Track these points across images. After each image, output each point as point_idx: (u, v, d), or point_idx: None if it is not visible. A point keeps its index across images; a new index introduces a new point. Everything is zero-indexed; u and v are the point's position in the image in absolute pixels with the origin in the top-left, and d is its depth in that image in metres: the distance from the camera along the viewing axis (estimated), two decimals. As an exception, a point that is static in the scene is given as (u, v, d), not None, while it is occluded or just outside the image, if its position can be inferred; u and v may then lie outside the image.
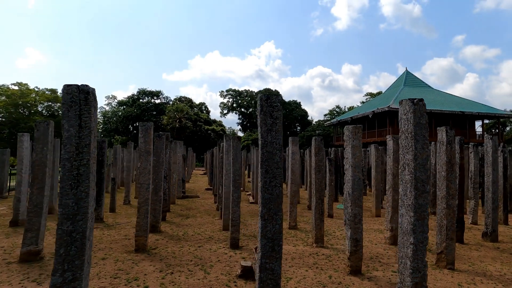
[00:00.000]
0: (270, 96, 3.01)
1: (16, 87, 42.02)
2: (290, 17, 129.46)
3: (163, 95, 53.29)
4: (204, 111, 58.28)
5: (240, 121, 68.36)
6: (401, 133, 3.59)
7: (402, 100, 3.62)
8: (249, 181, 19.42)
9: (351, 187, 4.66)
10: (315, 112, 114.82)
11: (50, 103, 44.13)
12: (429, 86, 31.09)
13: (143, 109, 50.51)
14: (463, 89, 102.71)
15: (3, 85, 40.99)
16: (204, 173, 30.17)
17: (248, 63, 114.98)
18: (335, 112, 67.52)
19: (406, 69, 31.43)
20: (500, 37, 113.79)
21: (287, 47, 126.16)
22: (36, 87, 43.97)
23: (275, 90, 69.98)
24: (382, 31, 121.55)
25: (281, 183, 2.96)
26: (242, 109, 68.56)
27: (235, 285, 3.94)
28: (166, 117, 42.63)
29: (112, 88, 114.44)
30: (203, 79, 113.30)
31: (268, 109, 2.98)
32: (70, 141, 2.54)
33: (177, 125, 42.15)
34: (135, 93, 53.32)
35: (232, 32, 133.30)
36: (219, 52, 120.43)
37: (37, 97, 42.80)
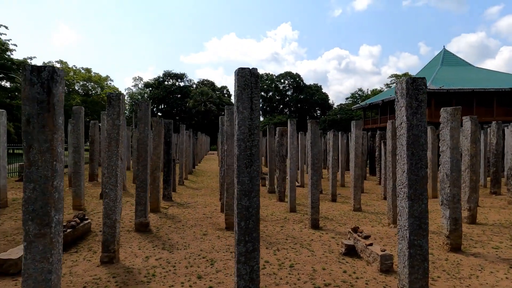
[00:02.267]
0: (415, 79, 3.04)
1: (59, 65, 43.40)
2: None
3: (187, 77, 53.77)
4: (226, 95, 58.34)
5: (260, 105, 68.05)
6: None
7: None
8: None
9: (449, 168, 4.68)
10: (331, 95, 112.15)
11: (85, 82, 45.50)
12: (470, 64, 29.42)
13: (168, 92, 51.24)
14: (496, 64, 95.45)
15: (49, 61, 42.28)
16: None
17: (264, 45, 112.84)
18: (357, 95, 65.61)
19: (444, 47, 29.89)
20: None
21: (304, 29, 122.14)
22: (74, 65, 45.31)
23: (296, 73, 68.54)
24: (404, 9, 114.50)
25: (426, 165, 3.05)
26: (262, 93, 67.96)
27: (346, 261, 4.16)
28: (191, 101, 43.13)
29: (132, 69, 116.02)
30: (219, 61, 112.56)
31: (414, 92, 3.02)
32: (244, 123, 2.71)
33: (202, 109, 42.64)
34: (161, 75, 53.85)
35: (248, 13, 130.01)
36: (235, 34, 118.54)
37: (75, 76, 44.25)
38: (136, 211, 5.57)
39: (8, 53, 26.97)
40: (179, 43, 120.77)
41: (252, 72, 2.73)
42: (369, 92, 62.24)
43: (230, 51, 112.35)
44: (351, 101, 62.50)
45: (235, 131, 2.74)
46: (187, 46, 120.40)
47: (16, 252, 3.65)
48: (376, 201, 9.08)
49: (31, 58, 32.02)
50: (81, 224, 5.05)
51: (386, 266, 3.86)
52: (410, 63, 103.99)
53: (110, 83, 51.19)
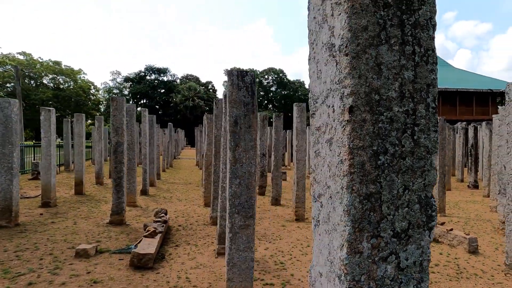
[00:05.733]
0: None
1: (21, 57, 40.23)
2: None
3: (170, 72, 52.17)
4: (211, 90, 57.65)
5: (245, 100, 67.92)
6: None
7: None
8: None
9: None
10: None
11: (55, 75, 42.79)
12: (450, 65, 31.75)
13: (152, 86, 49.61)
14: (455, 66, 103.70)
15: (9, 53, 38.98)
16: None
17: (240, 40, 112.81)
18: (338, 92, 67.70)
19: (427, 50, 31.90)
20: (492, 11, 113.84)
21: (279, 25, 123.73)
22: (40, 57, 42.29)
23: (279, 69, 69.27)
24: None
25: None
26: (246, 88, 67.89)
27: (432, 245, 4.68)
28: (179, 96, 42.20)
29: (102, 64, 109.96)
30: (195, 57, 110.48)
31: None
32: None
33: (190, 104, 41.90)
34: (142, 69, 51.97)
35: (224, 7, 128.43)
36: (211, 28, 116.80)
37: (42, 68, 41.47)
38: (213, 205, 5.68)
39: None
40: (154, 39, 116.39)
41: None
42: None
43: (205, 46, 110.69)
44: (332, 98, 64.53)
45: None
46: (163, 41, 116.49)
47: (144, 248, 3.71)
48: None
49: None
50: (168, 219, 5.11)
51: (473, 248, 4.41)
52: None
53: (84, 77, 48.52)
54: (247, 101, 2.61)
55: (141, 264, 3.50)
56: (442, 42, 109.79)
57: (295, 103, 6.17)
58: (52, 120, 6.41)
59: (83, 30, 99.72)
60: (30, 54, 41.89)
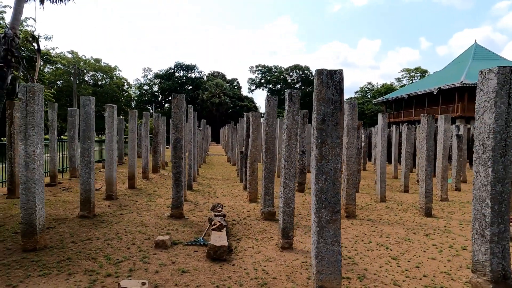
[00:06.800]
0: None
1: (70, 55, 42.99)
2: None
3: (197, 69, 53.35)
4: (236, 87, 58.18)
5: (269, 97, 67.73)
6: None
7: None
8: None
9: None
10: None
11: (95, 72, 45.23)
12: (504, 59, 28.75)
13: (180, 83, 51.10)
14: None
15: (61, 52, 41.79)
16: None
17: (263, 37, 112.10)
18: (366, 89, 65.65)
19: (475, 42, 29.59)
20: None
21: (303, 23, 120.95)
22: (83, 55, 44.88)
23: (305, 66, 68.25)
24: (405, 3, 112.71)
25: None
26: (270, 86, 67.75)
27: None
28: (206, 93, 43.09)
29: (127, 61, 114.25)
30: (216, 55, 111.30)
31: None
32: (501, 116, 2.91)
33: (216, 101, 42.63)
34: (172, 66, 53.51)
35: (247, 5, 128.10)
36: (234, 26, 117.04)
37: (84, 66, 44.08)
38: (264, 201, 5.79)
39: (34, 44, 26.80)
40: (174, 37, 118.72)
41: None
42: (379, 86, 62.26)
43: (227, 44, 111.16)
44: (360, 95, 62.60)
45: (490, 123, 2.94)
46: (184, 39, 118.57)
47: (217, 240, 3.88)
48: (450, 192, 9.38)
49: (53, 49, 31.79)
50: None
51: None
52: (411, 58, 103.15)
53: (119, 73, 50.80)
54: (335, 99, 2.64)
55: (217, 256, 3.67)
56: (488, 35, 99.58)
57: (346, 100, 6.10)
58: (115, 117, 6.82)
59: (83, 30, 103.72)
60: (77, 52, 44.66)
